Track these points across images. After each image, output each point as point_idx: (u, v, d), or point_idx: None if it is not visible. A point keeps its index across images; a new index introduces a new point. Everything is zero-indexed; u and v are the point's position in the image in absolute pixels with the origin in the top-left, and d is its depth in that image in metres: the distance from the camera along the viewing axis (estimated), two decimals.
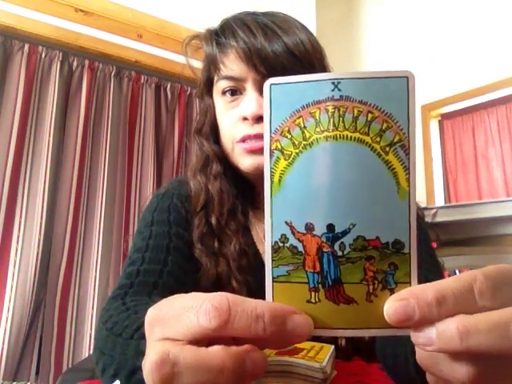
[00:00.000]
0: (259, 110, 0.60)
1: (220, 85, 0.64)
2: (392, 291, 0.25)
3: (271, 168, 0.26)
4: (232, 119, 0.63)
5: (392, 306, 0.24)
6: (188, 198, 0.67)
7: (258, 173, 0.62)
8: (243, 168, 0.63)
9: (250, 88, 0.61)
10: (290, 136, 0.26)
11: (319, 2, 2.37)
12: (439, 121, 2.59)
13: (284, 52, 0.59)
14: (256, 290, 0.59)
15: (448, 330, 0.23)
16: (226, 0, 1.79)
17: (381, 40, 2.71)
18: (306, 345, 0.46)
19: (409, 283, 0.25)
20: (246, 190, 0.69)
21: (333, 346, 0.48)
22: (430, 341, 0.23)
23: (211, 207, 0.64)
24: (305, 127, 0.25)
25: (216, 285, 0.60)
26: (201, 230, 0.63)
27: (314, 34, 0.68)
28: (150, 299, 0.52)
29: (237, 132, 0.62)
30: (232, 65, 0.62)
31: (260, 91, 0.61)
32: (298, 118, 0.26)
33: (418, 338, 0.24)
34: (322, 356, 0.44)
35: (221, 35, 0.63)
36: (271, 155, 0.26)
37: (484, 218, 1.29)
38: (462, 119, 2.47)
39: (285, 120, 0.26)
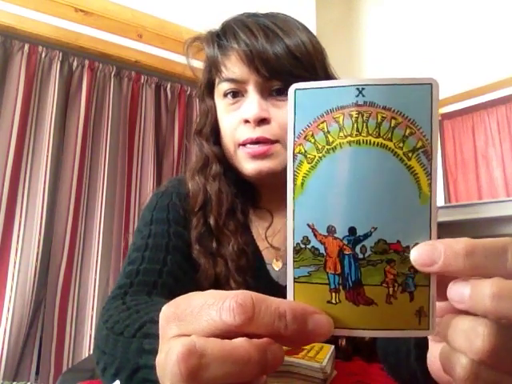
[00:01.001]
0: (261, 112, 0.60)
1: (221, 87, 0.64)
2: (412, 294, 0.25)
3: (294, 171, 0.26)
4: (233, 122, 0.63)
5: (419, 247, 0.25)
6: (187, 197, 0.67)
7: (261, 177, 0.62)
8: (246, 172, 0.63)
9: (251, 90, 0.61)
10: (313, 140, 0.26)
11: (319, 2, 2.37)
12: (439, 121, 2.59)
13: (285, 54, 0.59)
14: (255, 290, 0.60)
15: (481, 291, 0.23)
16: (226, 0, 1.79)
17: (381, 40, 2.71)
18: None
19: (428, 286, 0.25)
20: (246, 189, 0.69)
21: (333, 346, 0.48)
22: (462, 298, 0.24)
23: (209, 208, 0.65)
24: (328, 132, 0.26)
25: (215, 285, 0.60)
26: (199, 231, 0.63)
27: (314, 34, 0.68)
28: (150, 299, 0.52)
29: (238, 135, 0.62)
30: (233, 67, 0.62)
31: (261, 93, 0.61)
32: (322, 122, 0.26)
33: (451, 293, 0.24)
34: (322, 356, 0.44)
35: (222, 37, 0.63)
36: (294, 159, 0.27)
37: (484, 218, 1.29)
38: (461, 119, 2.47)
39: (308, 124, 0.26)
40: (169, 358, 0.23)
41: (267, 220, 0.68)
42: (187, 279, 0.60)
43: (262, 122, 0.61)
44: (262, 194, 0.70)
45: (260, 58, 0.59)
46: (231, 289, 0.60)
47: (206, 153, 0.68)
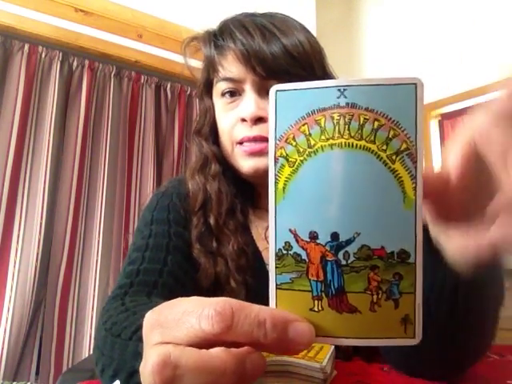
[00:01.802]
0: (257, 111, 0.60)
1: (219, 86, 0.64)
2: (396, 301, 0.25)
3: (276, 175, 0.26)
4: (231, 120, 0.64)
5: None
6: (187, 197, 0.67)
7: (258, 175, 0.62)
8: (243, 171, 0.64)
9: (248, 89, 0.62)
10: (294, 143, 0.26)
11: (319, 2, 2.37)
12: (439, 121, 2.59)
13: (282, 53, 0.59)
14: (255, 290, 0.60)
15: None
16: (226, 0, 1.79)
17: (381, 40, 2.71)
18: None
19: (413, 293, 0.25)
20: (246, 189, 0.69)
21: (333, 346, 0.48)
22: None
23: (209, 207, 0.65)
24: (310, 134, 0.25)
25: (215, 285, 0.60)
26: (199, 230, 0.63)
27: (314, 34, 0.68)
28: (149, 299, 0.52)
29: (236, 133, 0.63)
30: (230, 66, 0.62)
31: (259, 92, 0.62)
32: (303, 125, 0.25)
33: None
34: (322, 356, 0.44)
35: (219, 37, 0.64)
36: (276, 162, 0.26)
37: None
38: (462, 119, 2.47)
39: (290, 127, 0.26)
40: (146, 367, 0.23)
41: (266, 220, 0.68)
42: (187, 279, 0.60)
43: (259, 120, 0.61)
44: (261, 193, 0.70)
45: (256, 57, 0.59)
46: (231, 288, 0.60)
47: (206, 152, 0.68)
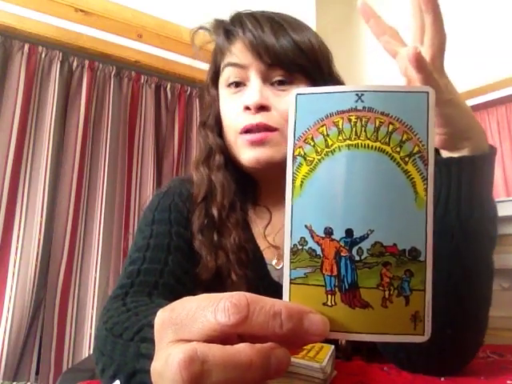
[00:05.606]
0: (261, 99, 0.61)
1: (225, 73, 0.66)
2: (407, 298, 0.25)
3: (293, 173, 0.27)
4: (235, 108, 0.64)
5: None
6: (189, 197, 0.67)
7: (259, 167, 0.63)
8: (244, 161, 0.64)
9: (253, 76, 0.62)
10: (313, 143, 0.27)
11: (319, 2, 2.37)
12: None
13: (290, 45, 0.61)
14: (255, 286, 0.60)
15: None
16: (226, 0, 1.79)
17: None
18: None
19: (423, 291, 0.26)
20: (247, 187, 0.69)
21: (333, 346, 0.48)
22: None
23: (213, 198, 0.65)
24: (328, 135, 0.27)
25: (215, 278, 0.60)
26: (201, 222, 0.63)
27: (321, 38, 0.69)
28: (150, 300, 0.52)
29: (239, 122, 0.63)
30: (238, 52, 0.63)
31: (264, 81, 0.63)
32: (322, 126, 0.27)
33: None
34: (322, 356, 0.44)
35: (230, 25, 0.65)
36: (294, 160, 0.27)
37: None
38: None
39: (309, 128, 0.27)
40: (169, 364, 0.22)
41: (266, 218, 0.69)
42: (188, 279, 0.60)
43: (262, 109, 0.61)
44: (262, 190, 0.70)
45: (264, 46, 0.61)
46: (232, 282, 0.60)
47: (210, 143, 0.69)
